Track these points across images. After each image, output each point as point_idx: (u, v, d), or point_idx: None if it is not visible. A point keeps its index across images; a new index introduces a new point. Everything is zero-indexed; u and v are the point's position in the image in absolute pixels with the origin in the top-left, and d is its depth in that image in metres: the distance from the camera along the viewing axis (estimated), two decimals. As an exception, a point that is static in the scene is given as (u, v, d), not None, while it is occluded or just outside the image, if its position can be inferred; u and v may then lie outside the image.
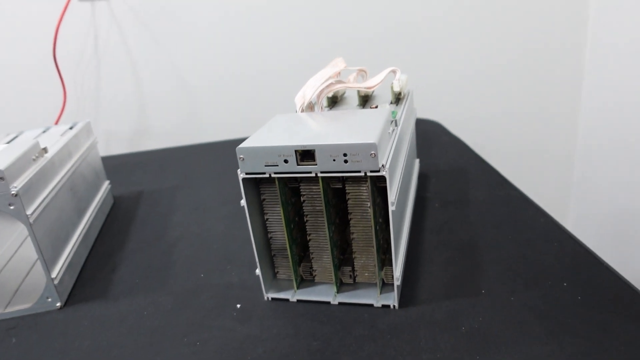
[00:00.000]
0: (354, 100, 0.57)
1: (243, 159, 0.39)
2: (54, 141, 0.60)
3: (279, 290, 0.46)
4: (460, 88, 1.01)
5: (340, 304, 0.44)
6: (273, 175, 0.40)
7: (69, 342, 0.43)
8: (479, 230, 0.53)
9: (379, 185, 0.41)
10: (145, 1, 0.92)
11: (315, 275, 0.46)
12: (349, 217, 0.42)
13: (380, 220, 0.43)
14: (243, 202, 0.41)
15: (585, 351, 0.35)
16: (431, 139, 0.85)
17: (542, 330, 0.38)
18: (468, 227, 0.54)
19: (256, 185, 0.43)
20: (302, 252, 0.47)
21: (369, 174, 0.37)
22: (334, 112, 0.47)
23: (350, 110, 0.47)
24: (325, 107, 0.55)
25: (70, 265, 0.53)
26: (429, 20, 0.96)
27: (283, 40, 0.96)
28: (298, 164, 0.38)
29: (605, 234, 1.01)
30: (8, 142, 0.57)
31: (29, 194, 0.47)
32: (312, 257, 0.45)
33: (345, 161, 0.37)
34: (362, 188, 0.40)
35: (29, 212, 0.46)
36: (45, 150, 0.54)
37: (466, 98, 1.02)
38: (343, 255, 0.47)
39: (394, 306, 0.42)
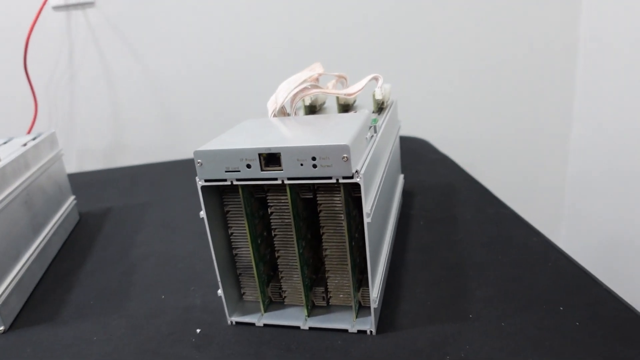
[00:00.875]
0: (334, 110, 0.53)
1: (201, 163, 0.35)
2: (11, 151, 0.55)
3: (245, 313, 0.41)
4: (449, 105, 0.98)
5: (311, 329, 0.39)
6: (235, 183, 0.35)
7: (4, 372, 0.38)
8: (467, 250, 0.49)
9: (354, 195, 0.37)
10: (123, 13, 0.89)
11: (285, 296, 0.41)
12: (322, 232, 0.38)
13: (356, 235, 0.39)
14: (202, 213, 0.37)
15: (586, 385, 0.31)
16: (418, 156, 0.81)
17: (536, 359, 0.33)
18: (455, 247, 0.50)
19: (219, 195, 0.39)
20: (271, 271, 0.42)
21: (341, 180, 0.33)
22: (307, 117, 0.43)
23: (325, 115, 0.43)
24: (302, 115, 0.51)
25: (19, 285, 0.48)
26: (418, 36, 0.93)
27: (262, 57, 0.93)
28: (262, 170, 0.34)
29: (599, 254, 0.97)
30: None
31: (-31, 204, 0.42)
32: (282, 277, 0.41)
33: (314, 166, 0.33)
34: (335, 198, 0.36)
35: (-33, 224, 0.41)
36: (-4, 159, 0.50)
37: (455, 116, 0.99)
38: (316, 274, 0.42)
39: (370, 332, 0.38)
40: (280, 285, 0.41)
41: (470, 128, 0.99)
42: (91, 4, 0.87)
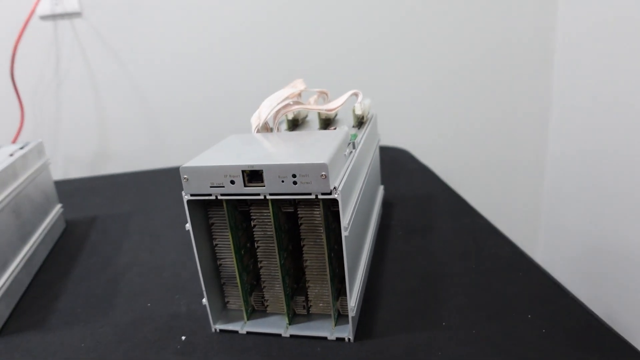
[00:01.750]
0: (316, 124, 0.55)
1: (187, 179, 0.37)
2: (-1, 161, 0.57)
3: (228, 321, 0.43)
4: (429, 115, 1.00)
5: (292, 336, 0.41)
6: (220, 197, 0.37)
7: (-7, 378, 0.40)
8: (443, 259, 0.51)
9: (333, 209, 0.39)
10: (110, 23, 0.90)
11: (267, 305, 0.43)
12: (302, 244, 0.40)
13: (335, 247, 0.41)
14: (188, 225, 0.38)
15: (548, 389, 0.33)
16: (398, 166, 0.83)
17: (503, 365, 0.36)
18: (431, 257, 0.52)
19: (204, 208, 0.40)
20: (254, 280, 0.44)
21: (320, 196, 0.35)
22: (289, 133, 0.45)
23: (306, 132, 0.45)
24: (285, 130, 0.53)
25: (7, 293, 0.49)
26: (395, 47, 0.95)
27: (247, 64, 0.95)
28: (245, 185, 0.36)
29: (575, 266, 0.99)
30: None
31: (-41, 215, 0.43)
32: (264, 286, 0.42)
33: (295, 182, 0.35)
34: (314, 212, 0.38)
35: (-43, 234, 0.42)
36: (-16, 169, 0.51)
37: (435, 126, 1.01)
38: (297, 284, 0.44)
39: (348, 339, 0.40)
40: (263, 294, 0.43)
41: (449, 138, 1.02)
42: (78, 14, 0.88)
